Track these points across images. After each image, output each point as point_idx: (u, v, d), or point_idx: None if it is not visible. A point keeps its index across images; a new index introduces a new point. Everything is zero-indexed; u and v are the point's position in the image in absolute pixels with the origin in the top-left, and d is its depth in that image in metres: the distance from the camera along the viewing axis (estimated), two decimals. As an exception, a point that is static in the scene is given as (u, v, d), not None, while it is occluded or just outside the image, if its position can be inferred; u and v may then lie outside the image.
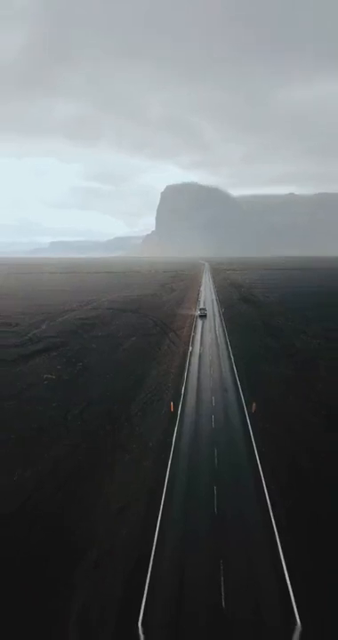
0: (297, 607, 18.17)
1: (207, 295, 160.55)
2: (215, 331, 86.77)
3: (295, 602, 18.45)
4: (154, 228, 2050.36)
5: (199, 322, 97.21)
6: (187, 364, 58.88)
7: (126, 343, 74.42)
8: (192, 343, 73.78)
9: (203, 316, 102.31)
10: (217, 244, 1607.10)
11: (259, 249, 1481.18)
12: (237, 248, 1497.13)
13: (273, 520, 23.93)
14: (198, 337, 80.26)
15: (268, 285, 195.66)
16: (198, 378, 52.89)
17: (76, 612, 18.26)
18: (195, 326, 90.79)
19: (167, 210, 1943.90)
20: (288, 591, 19.02)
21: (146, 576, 19.96)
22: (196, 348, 69.88)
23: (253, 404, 39.96)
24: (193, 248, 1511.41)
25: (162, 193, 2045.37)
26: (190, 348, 68.32)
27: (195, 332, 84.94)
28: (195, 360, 61.94)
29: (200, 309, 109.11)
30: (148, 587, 19.33)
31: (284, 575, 20.00)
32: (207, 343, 74.48)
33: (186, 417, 39.17)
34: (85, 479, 28.78)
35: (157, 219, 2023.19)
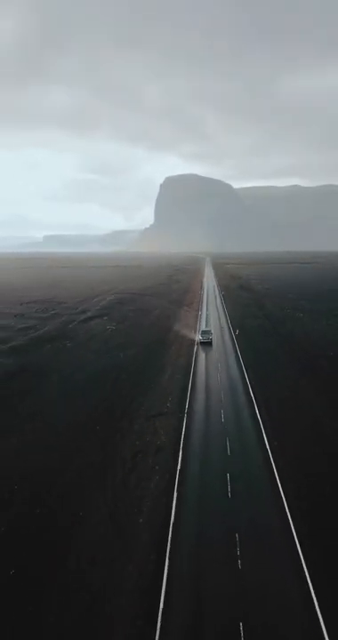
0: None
1: (210, 284, 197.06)
2: (216, 307, 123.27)
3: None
4: (152, 222, 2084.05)
5: (204, 300, 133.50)
6: (198, 322, 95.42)
7: (153, 313, 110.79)
8: (201, 310, 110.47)
9: (206, 344, 69.83)
10: (218, 239, 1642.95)
11: (261, 244, 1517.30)
12: (238, 242, 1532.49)
13: (238, 349, 60.40)
14: (204, 309, 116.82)
15: (263, 277, 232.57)
16: (207, 325, 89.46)
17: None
18: (201, 304, 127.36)
19: (166, 203, 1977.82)
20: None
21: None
22: (203, 315, 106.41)
23: (237, 330, 77.00)
24: (193, 242, 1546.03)
25: (161, 185, 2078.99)
26: (200, 313, 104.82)
27: (201, 307, 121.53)
28: (204, 319, 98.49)
29: (202, 333, 73.11)
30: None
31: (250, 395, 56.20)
32: (212, 313, 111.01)
33: (198, 358, 76.16)
34: (156, 354, 65.29)
35: (156, 212, 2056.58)
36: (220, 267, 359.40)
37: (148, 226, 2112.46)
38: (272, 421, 38.85)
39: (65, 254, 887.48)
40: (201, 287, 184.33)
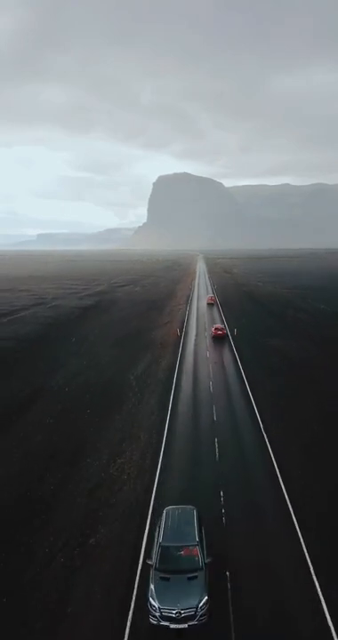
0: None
1: (201, 271, 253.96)
2: (205, 282, 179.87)
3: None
4: (145, 220, 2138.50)
5: (197, 278, 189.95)
6: (192, 288, 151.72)
7: (162, 285, 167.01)
8: (194, 281, 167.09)
9: None
10: (211, 237, 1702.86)
11: (253, 241, 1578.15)
12: (230, 240, 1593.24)
13: (215, 292, 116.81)
14: (196, 282, 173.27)
15: (246, 267, 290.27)
16: (198, 290, 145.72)
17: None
18: (194, 280, 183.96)
19: (159, 201, 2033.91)
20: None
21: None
22: (195, 285, 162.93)
23: (215, 285, 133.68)
24: (186, 240, 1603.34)
25: (154, 183, 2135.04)
26: (194, 283, 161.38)
27: (194, 281, 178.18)
28: (196, 287, 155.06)
29: None
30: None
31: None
32: (202, 282, 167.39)
33: (194, 294, 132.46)
34: (170, 297, 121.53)
35: (149, 210, 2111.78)
36: (211, 261, 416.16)
37: (140, 224, 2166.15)
38: (226, 309, 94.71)
39: (62, 252, 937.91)
40: (194, 271, 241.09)
